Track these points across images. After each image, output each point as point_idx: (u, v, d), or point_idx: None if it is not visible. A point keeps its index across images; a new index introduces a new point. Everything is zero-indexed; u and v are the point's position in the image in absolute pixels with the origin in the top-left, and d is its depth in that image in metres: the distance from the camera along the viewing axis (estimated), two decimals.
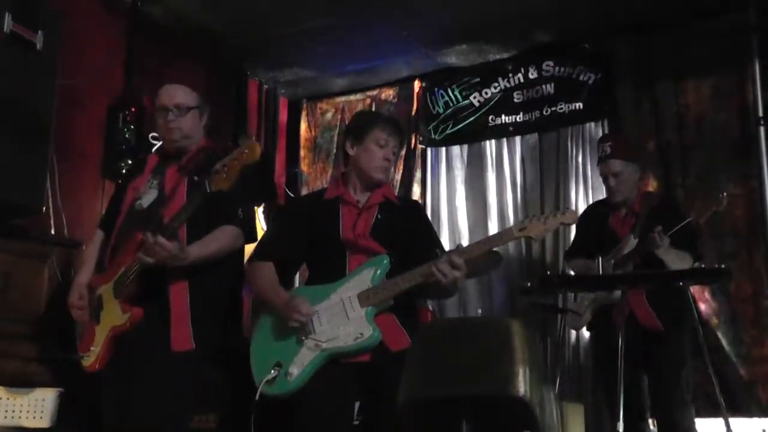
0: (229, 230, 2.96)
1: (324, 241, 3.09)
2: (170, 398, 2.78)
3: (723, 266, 3.62)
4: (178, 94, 3.13)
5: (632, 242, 3.95)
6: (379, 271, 2.91)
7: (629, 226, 4.06)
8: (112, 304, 2.91)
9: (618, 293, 3.83)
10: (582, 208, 5.48)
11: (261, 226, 5.93)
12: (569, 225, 3.14)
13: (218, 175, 2.65)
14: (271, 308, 3.03)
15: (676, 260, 3.84)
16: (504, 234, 2.96)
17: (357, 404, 3.06)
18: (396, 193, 5.95)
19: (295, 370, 2.83)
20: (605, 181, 4.21)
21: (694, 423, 3.85)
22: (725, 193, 4.01)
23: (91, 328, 2.99)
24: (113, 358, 2.91)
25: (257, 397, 2.86)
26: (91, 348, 2.94)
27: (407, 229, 3.11)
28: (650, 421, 4.04)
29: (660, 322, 3.87)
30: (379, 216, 3.09)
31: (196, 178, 2.82)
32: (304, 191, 6.57)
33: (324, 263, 3.09)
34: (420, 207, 3.73)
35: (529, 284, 5.35)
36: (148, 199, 3.04)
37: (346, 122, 6.55)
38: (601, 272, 3.80)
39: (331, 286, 2.96)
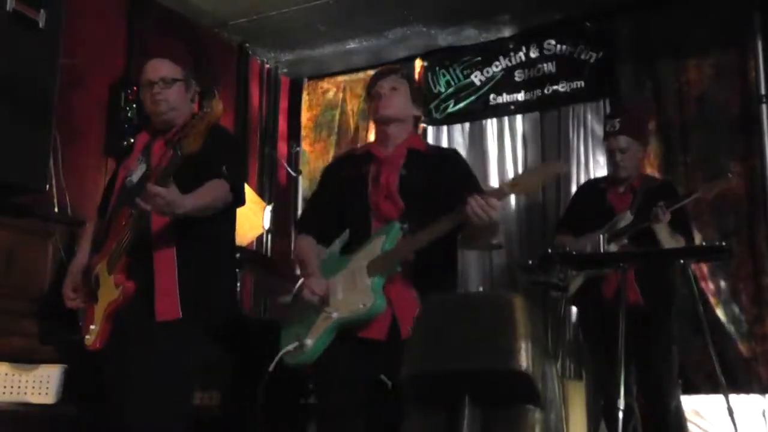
0: (220, 183, 2.89)
1: (352, 206, 3.05)
2: (163, 371, 2.77)
3: (723, 244, 3.64)
4: (162, 68, 3.13)
5: (628, 217, 3.96)
6: (388, 239, 2.85)
7: (627, 203, 4.06)
8: (107, 280, 2.94)
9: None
10: None
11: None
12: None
13: (187, 139, 2.63)
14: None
15: (671, 240, 3.83)
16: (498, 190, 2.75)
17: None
18: None
19: (309, 341, 2.84)
20: (611, 156, 4.18)
21: (680, 403, 3.86)
22: (733, 172, 3.96)
23: (90, 308, 3.02)
24: (112, 334, 2.92)
25: (271, 369, 2.85)
26: (91, 327, 2.97)
27: (440, 182, 2.97)
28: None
29: (648, 301, 3.88)
30: (404, 171, 3.00)
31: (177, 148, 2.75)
32: (305, 170, 6.60)
33: (353, 229, 3.04)
34: (457, 156, 3.25)
35: (530, 262, 5.39)
36: (137, 174, 3.05)
37: (348, 101, 6.56)
38: (601, 249, 3.80)
39: (350, 256, 2.94)
